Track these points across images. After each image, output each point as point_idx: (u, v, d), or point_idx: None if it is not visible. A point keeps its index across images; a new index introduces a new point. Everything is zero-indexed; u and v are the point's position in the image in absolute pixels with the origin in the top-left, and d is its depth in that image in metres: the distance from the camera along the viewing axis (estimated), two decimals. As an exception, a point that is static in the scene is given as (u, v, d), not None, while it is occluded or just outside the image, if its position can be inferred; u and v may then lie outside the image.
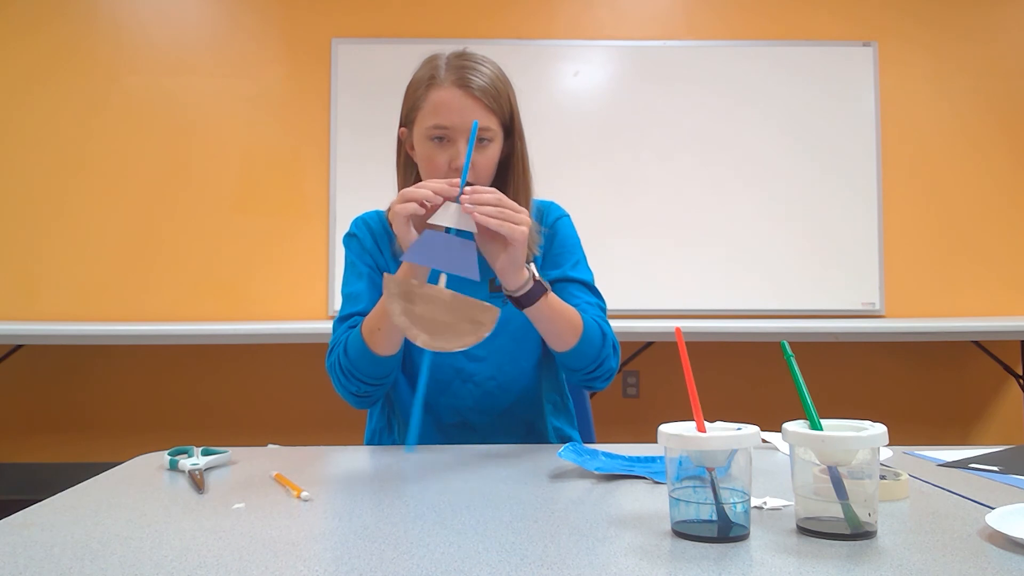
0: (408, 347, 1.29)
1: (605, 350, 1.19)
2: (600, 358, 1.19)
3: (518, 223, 1.02)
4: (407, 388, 1.31)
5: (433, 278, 1.02)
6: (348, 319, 1.23)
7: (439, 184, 1.03)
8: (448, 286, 1.00)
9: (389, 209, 1.12)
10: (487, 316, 1.00)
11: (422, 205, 1.02)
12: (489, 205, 1.01)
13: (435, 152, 1.17)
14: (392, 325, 1.09)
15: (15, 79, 3.53)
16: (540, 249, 1.29)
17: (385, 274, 1.03)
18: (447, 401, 1.28)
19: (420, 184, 1.04)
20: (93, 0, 3.57)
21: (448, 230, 1.01)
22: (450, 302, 0.99)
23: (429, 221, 1.02)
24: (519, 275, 1.07)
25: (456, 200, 1.01)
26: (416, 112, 1.20)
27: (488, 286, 1.28)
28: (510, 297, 1.09)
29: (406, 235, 1.04)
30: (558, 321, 1.13)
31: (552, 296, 1.11)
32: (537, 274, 1.08)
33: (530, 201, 1.27)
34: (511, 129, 1.23)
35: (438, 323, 0.99)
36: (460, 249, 1.00)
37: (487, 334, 1.00)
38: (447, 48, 1.23)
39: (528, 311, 1.10)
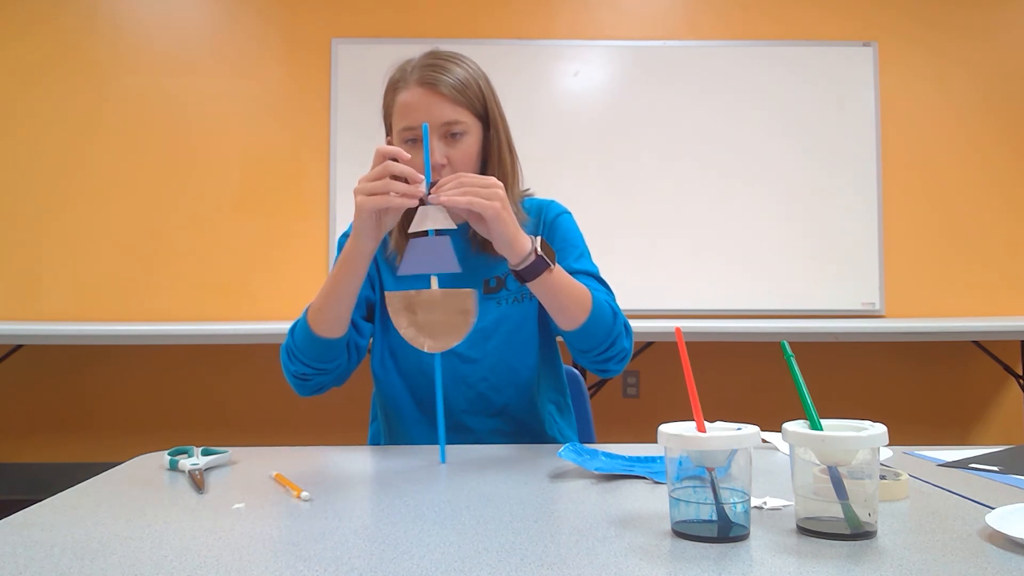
0: (403, 351, 1.29)
1: (617, 328, 1.16)
2: (612, 336, 1.15)
3: (489, 198, 1.01)
4: (403, 391, 1.31)
5: (425, 283, 1.04)
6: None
7: (401, 186, 1.02)
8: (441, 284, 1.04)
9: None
10: (470, 301, 1.03)
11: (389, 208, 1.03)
12: (452, 189, 1.01)
13: (411, 154, 1.17)
14: (335, 307, 1.13)
15: (15, 79, 3.53)
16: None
17: (386, 292, 1.06)
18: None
19: (384, 176, 1.02)
20: (93, 0, 3.57)
21: (428, 232, 1.03)
22: (442, 301, 1.03)
23: (410, 231, 1.04)
24: (516, 248, 1.04)
25: (426, 202, 1.03)
26: (390, 118, 1.22)
27: (483, 287, 1.27)
28: (513, 271, 1.07)
29: (371, 231, 1.05)
30: (565, 296, 1.10)
31: (559, 271, 1.09)
32: (539, 249, 1.05)
33: (513, 189, 1.26)
34: (488, 120, 1.23)
35: (437, 324, 1.03)
36: (438, 247, 1.02)
37: (475, 319, 1.03)
38: (425, 47, 1.24)
39: (532, 285, 1.07)
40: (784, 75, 3.62)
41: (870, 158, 3.62)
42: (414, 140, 1.18)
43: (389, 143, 1.25)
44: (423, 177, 1.03)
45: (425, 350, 1.04)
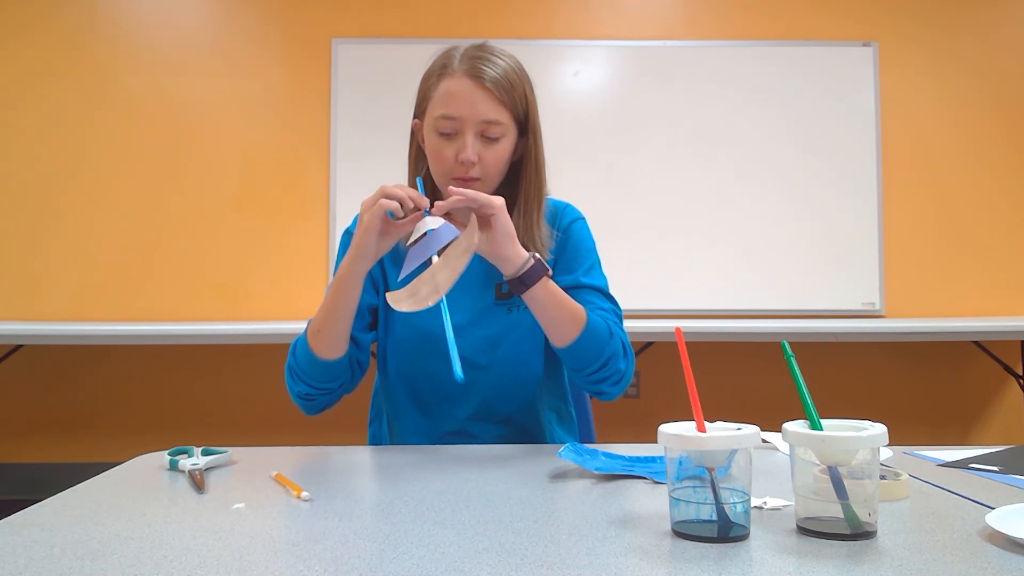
0: (410, 356, 1.28)
1: (611, 348, 1.13)
2: (605, 356, 1.13)
3: (489, 200, 1.03)
4: (406, 395, 1.30)
5: (424, 267, 1.05)
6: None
7: (408, 191, 1.04)
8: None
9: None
10: (470, 236, 1.02)
11: (396, 214, 1.04)
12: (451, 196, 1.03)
13: (442, 144, 1.16)
14: (332, 329, 1.12)
15: (15, 79, 3.53)
16: (552, 253, 1.26)
17: (388, 293, 1.06)
18: (446, 409, 1.27)
19: (386, 192, 1.04)
20: (93, 0, 3.57)
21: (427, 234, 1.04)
22: (441, 261, 1.02)
23: (408, 243, 1.05)
24: (513, 252, 1.05)
25: (425, 213, 1.05)
26: (427, 102, 1.19)
27: (495, 292, 1.27)
28: (509, 282, 1.07)
29: (372, 252, 1.06)
30: (558, 310, 1.09)
31: (553, 286, 1.08)
32: (535, 259, 1.06)
33: (543, 203, 1.25)
34: (526, 127, 1.21)
35: (442, 280, 1.01)
36: (438, 233, 1.03)
37: (475, 237, 1.02)
38: (465, 42, 1.22)
39: (526, 296, 1.07)
40: (784, 75, 3.62)
41: (870, 158, 3.62)
42: (448, 133, 1.16)
43: (416, 126, 1.24)
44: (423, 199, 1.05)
45: (431, 304, 1.00)
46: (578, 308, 1.11)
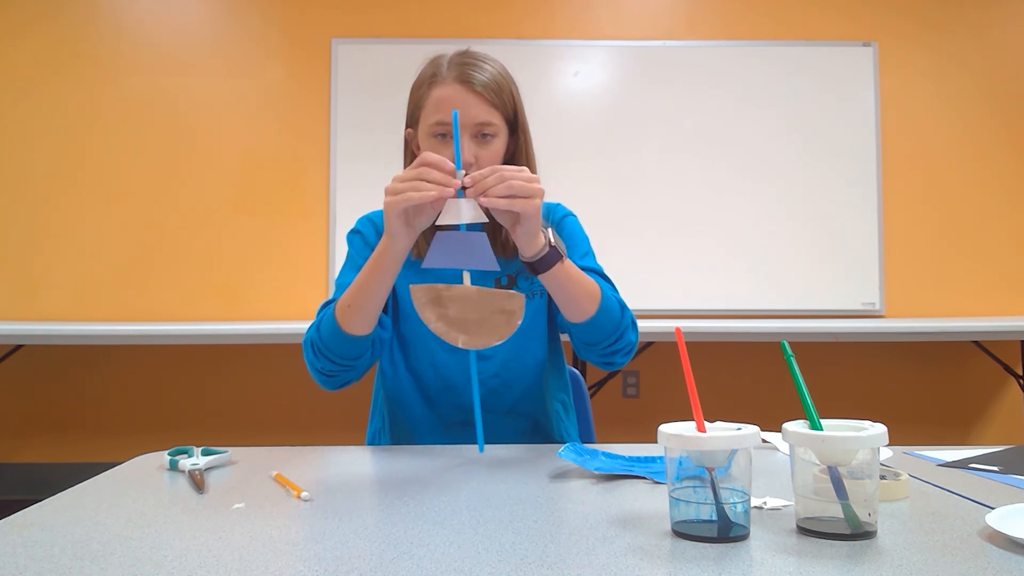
0: (414, 347, 1.28)
1: (624, 322, 1.17)
2: (620, 330, 1.17)
3: (530, 195, 0.99)
4: (411, 386, 1.30)
5: (457, 277, 1.01)
6: (332, 303, 1.19)
7: (436, 174, 0.98)
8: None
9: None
10: (515, 303, 1.00)
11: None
12: (495, 186, 0.98)
13: (439, 149, 1.16)
14: (365, 306, 1.10)
15: (15, 79, 3.53)
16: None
17: (412, 285, 1.02)
18: (451, 399, 1.28)
19: (416, 174, 0.99)
20: (93, 0, 3.57)
21: (460, 226, 1.00)
22: (477, 299, 1.00)
23: (438, 223, 1.01)
24: (535, 242, 1.04)
25: (459, 195, 0.99)
26: (420, 111, 1.21)
27: (494, 285, 1.27)
28: (526, 264, 1.07)
29: (402, 231, 1.02)
30: (575, 288, 1.10)
31: (569, 263, 1.09)
32: (553, 240, 1.05)
33: None
34: (515, 125, 1.24)
35: (471, 321, 1.00)
36: (474, 243, 1.00)
37: (520, 322, 1.00)
38: (450, 48, 1.24)
39: (544, 277, 1.07)
40: (784, 75, 3.62)
41: (870, 158, 3.62)
42: (444, 135, 1.17)
43: (409, 136, 1.25)
44: (455, 168, 0.99)
45: (459, 345, 1.01)
46: (593, 285, 1.13)
